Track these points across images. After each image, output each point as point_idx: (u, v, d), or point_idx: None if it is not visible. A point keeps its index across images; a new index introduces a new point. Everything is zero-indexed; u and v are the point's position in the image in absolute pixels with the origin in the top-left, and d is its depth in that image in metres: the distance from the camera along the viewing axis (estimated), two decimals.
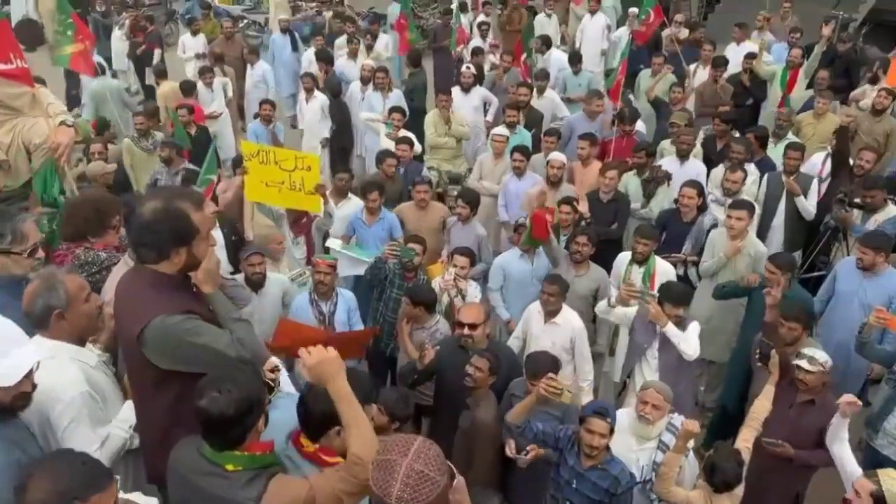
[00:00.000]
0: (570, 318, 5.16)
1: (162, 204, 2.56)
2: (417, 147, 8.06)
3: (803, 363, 4.34)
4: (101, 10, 14.12)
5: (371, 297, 5.78)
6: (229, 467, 2.28)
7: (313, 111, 9.11)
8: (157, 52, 12.50)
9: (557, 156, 6.86)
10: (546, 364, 4.20)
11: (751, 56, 9.58)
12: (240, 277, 5.24)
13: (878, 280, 5.32)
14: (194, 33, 11.74)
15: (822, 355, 4.41)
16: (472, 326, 4.49)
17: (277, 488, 2.24)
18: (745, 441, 4.10)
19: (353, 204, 6.67)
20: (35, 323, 2.85)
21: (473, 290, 5.67)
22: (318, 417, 2.41)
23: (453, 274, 5.46)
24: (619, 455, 3.97)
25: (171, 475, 2.43)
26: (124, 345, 2.74)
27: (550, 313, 5.12)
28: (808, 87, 8.87)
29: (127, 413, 2.93)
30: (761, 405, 4.33)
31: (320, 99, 9.12)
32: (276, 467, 2.36)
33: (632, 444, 4.12)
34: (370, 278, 5.64)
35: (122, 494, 2.33)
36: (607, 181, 6.37)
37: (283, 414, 2.60)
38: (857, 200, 6.11)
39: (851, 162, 6.80)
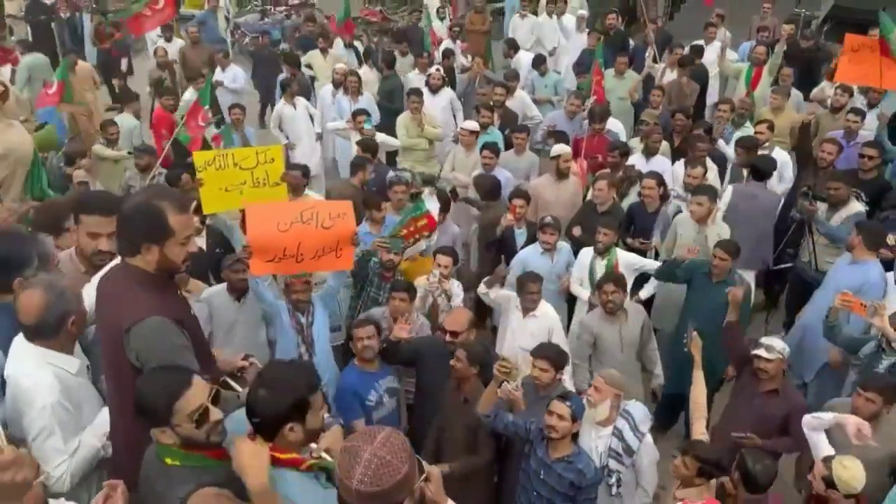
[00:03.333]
0: (547, 311, 5.24)
1: (142, 199, 2.62)
2: (396, 142, 8.14)
3: (762, 352, 4.42)
4: (67, 16, 13.97)
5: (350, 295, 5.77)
6: (167, 461, 2.33)
7: (302, 117, 9.02)
8: (124, 59, 12.41)
9: (561, 147, 6.91)
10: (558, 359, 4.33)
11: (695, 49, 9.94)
12: (221, 287, 5.20)
13: (857, 267, 5.39)
14: (168, 39, 11.77)
15: (779, 343, 4.50)
16: (454, 334, 4.51)
17: (199, 500, 2.24)
18: (700, 433, 4.17)
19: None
20: (46, 333, 2.78)
21: (457, 290, 5.69)
22: (269, 420, 2.35)
23: (437, 275, 5.41)
24: (581, 443, 4.05)
25: (141, 483, 2.43)
26: (107, 340, 2.69)
27: (528, 308, 5.20)
28: (775, 83, 9.02)
29: (102, 420, 2.87)
30: (697, 393, 4.44)
31: (303, 102, 9.07)
32: (214, 475, 2.35)
33: (590, 433, 4.19)
34: (354, 271, 5.56)
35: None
36: (597, 192, 6.37)
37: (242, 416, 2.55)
38: (822, 194, 6.21)
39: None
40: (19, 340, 2.82)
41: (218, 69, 10.32)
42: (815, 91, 8.90)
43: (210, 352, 3.04)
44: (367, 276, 5.60)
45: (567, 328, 5.88)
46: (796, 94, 8.81)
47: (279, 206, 4.89)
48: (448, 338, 4.52)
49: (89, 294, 2.93)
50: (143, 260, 2.60)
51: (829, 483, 3.47)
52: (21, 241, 3.30)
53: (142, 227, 2.56)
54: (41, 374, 2.74)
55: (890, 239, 5.66)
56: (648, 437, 4.25)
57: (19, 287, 2.87)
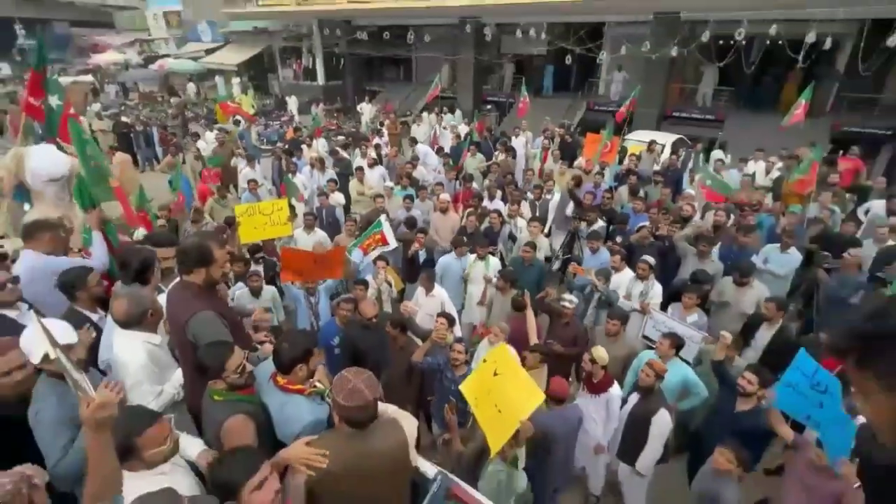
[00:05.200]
0: (440, 292, 5.01)
1: (198, 239, 2.47)
2: (342, 200, 7.82)
3: (566, 303, 4.38)
4: None
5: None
6: (215, 397, 2.22)
7: (299, 184, 8.45)
8: None
9: (443, 196, 6.88)
10: (452, 320, 4.13)
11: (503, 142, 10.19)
12: (245, 291, 4.81)
13: (597, 255, 5.57)
14: None
15: (571, 297, 4.45)
16: (374, 315, 4.06)
17: (233, 423, 2.12)
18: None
19: (318, 233, 6.33)
20: (131, 323, 2.54)
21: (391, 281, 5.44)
22: (287, 360, 2.26)
23: (383, 273, 5.15)
24: None
25: (202, 412, 2.30)
26: (175, 328, 2.48)
27: (428, 289, 4.99)
28: (555, 160, 9.46)
29: (177, 376, 2.65)
30: (531, 321, 4.32)
31: (300, 177, 8.61)
32: (245, 405, 2.20)
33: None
34: None
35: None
36: (469, 222, 6.14)
37: (267, 365, 2.45)
38: (585, 217, 6.46)
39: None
40: (117, 330, 2.56)
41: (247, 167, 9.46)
42: (577, 162, 9.41)
43: (244, 329, 2.85)
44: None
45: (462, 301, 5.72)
46: (569, 171, 8.96)
47: (303, 254, 4.74)
48: (373, 320, 4.02)
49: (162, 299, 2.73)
50: (195, 276, 2.45)
51: (591, 360, 3.60)
52: (149, 251, 3.02)
53: (195, 256, 2.42)
54: (133, 348, 2.52)
55: (618, 240, 5.93)
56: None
57: (112, 295, 2.62)
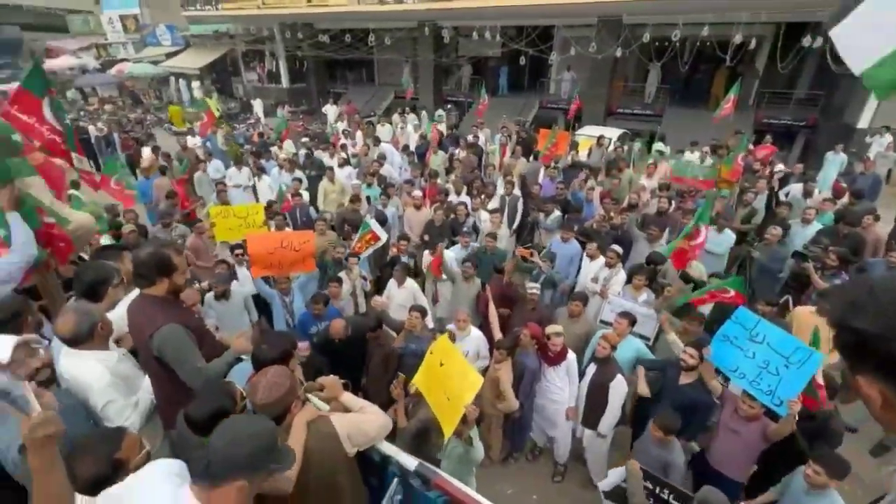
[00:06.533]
0: (411, 284, 4.95)
1: (153, 248, 2.22)
2: (307, 196, 7.59)
3: (533, 293, 4.37)
4: None
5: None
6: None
7: (265, 185, 8.28)
8: None
9: (416, 193, 6.78)
10: (424, 310, 4.06)
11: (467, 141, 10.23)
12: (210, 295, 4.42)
13: (567, 244, 5.40)
14: None
15: (534, 284, 4.49)
16: (343, 338, 3.94)
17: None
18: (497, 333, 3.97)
19: None
20: (81, 340, 2.18)
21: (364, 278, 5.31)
22: (267, 362, 2.10)
23: (356, 271, 5.00)
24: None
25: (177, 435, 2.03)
26: (139, 344, 2.25)
27: (400, 282, 4.93)
28: (513, 154, 9.52)
29: (146, 383, 2.38)
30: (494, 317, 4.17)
31: (266, 179, 8.35)
32: None
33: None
34: (319, 264, 4.96)
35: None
36: (435, 216, 6.13)
37: (245, 366, 2.32)
38: (543, 208, 6.49)
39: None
40: (65, 350, 2.19)
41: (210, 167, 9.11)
42: (533, 154, 9.49)
43: (214, 337, 2.59)
44: (325, 269, 5.18)
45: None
46: (523, 160, 9.10)
47: (269, 236, 4.58)
48: (339, 337, 3.90)
49: (120, 314, 2.43)
50: (157, 288, 2.19)
51: (548, 336, 3.67)
52: (106, 269, 2.60)
53: (156, 267, 2.17)
54: (92, 367, 2.20)
55: (574, 228, 5.85)
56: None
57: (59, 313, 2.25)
